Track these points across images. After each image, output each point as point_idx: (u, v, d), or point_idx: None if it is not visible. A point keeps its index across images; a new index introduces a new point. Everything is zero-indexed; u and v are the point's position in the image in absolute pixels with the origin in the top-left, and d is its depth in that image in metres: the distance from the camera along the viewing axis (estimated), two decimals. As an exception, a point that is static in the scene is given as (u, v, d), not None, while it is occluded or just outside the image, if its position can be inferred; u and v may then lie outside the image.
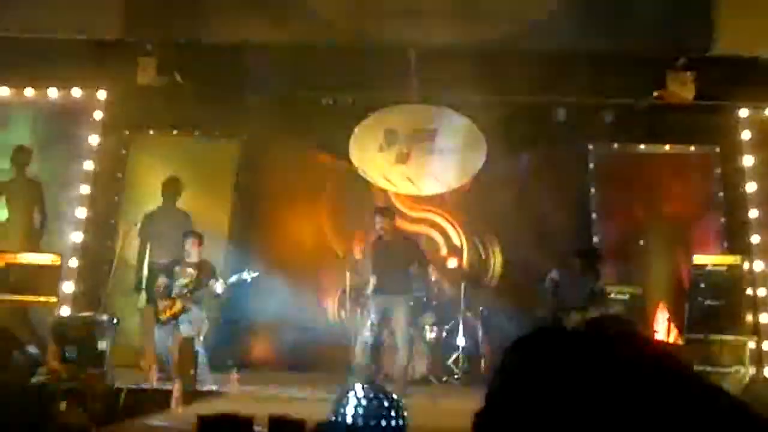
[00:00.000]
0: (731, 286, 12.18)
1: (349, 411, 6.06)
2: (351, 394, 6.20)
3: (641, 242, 12.45)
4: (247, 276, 11.51)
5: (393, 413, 6.07)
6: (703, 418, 1.31)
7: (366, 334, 11.37)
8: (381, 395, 6.21)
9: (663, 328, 12.77)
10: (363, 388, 6.27)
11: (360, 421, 6.00)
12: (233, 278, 11.50)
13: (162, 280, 11.59)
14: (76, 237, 13.06)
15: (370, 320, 11.40)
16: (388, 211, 12.07)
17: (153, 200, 13.51)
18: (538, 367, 1.38)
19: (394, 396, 6.32)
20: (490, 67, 12.71)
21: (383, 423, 6.00)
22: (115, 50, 12.70)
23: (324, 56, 12.92)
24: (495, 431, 1.40)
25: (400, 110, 13.84)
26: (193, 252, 11.66)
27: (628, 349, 1.38)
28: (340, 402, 6.11)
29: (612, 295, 11.81)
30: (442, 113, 13.84)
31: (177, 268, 11.58)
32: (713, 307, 12.04)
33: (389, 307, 11.35)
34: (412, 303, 11.58)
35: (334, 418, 6.09)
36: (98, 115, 13.40)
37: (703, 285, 12.22)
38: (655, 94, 12.90)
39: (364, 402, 6.06)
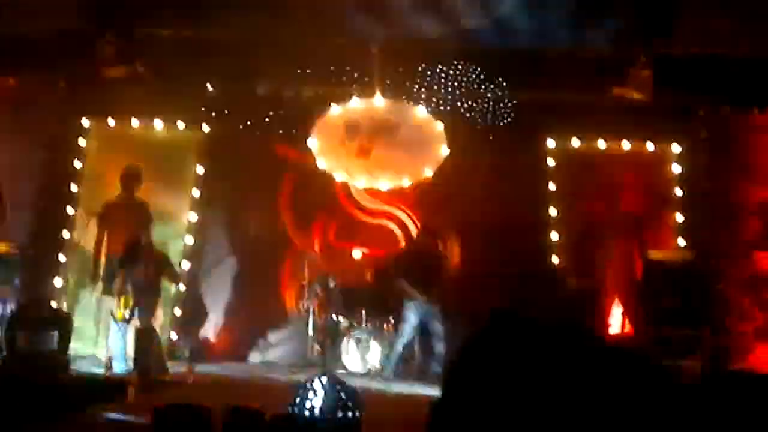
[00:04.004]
0: (686, 281, 12.31)
1: (308, 403, 6.08)
2: (311, 385, 6.23)
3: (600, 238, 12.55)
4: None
5: (351, 404, 6.10)
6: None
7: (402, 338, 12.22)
8: (339, 387, 6.24)
9: (618, 322, 12.90)
10: (322, 380, 6.29)
11: (318, 413, 6.03)
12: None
13: (120, 277, 11.53)
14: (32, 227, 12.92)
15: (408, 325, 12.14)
16: (428, 233, 12.69)
17: (112, 190, 13.40)
18: (492, 355, 1.40)
19: (352, 387, 6.36)
20: (451, 61, 12.76)
21: (339, 414, 6.03)
22: (74, 39, 12.56)
23: (286, 48, 12.87)
24: (451, 420, 1.42)
25: (362, 104, 13.82)
26: (146, 240, 11.65)
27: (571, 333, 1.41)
28: (301, 393, 6.13)
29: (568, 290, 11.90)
30: (404, 107, 13.83)
31: (130, 264, 11.53)
32: (667, 301, 12.17)
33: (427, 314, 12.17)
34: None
35: (293, 409, 6.12)
36: (56, 103, 13.23)
37: (657, 280, 12.35)
38: (614, 91, 12.98)
39: (322, 394, 6.08)
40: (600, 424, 1.32)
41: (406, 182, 13.83)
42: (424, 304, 12.09)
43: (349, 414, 5.97)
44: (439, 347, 12.04)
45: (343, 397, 6.06)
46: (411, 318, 12.10)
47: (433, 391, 9.91)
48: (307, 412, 5.98)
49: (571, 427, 1.33)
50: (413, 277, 12.11)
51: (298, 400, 6.14)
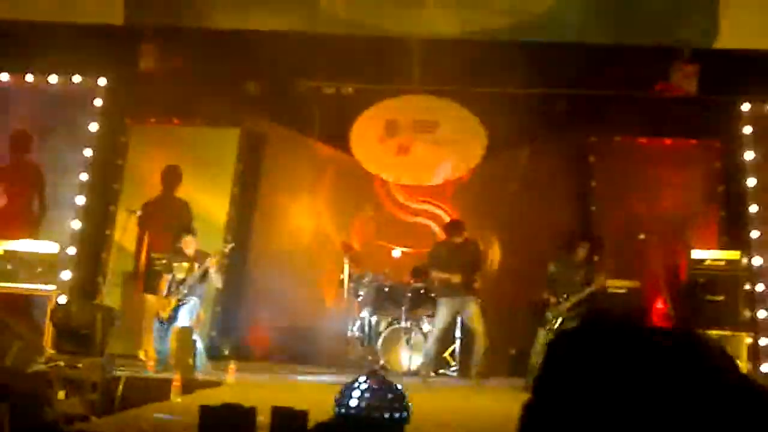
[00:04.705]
0: (729, 282, 12.17)
1: (353, 402, 6.05)
2: (355, 385, 6.19)
3: (641, 236, 12.39)
4: (225, 249, 12.02)
5: (396, 405, 6.07)
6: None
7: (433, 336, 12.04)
8: (385, 387, 6.20)
9: (660, 323, 12.77)
10: (367, 379, 6.26)
11: (364, 412, 5.99)
12: (216, 257, 11.63)
13: (164, 278, 11.61)
14: (75, 225, 12.97)
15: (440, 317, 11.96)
16: (459, 226, 12.24)
17: (152, 188, 13.48)
18: (587, 358, 1.35)
19: (398, 387, 6.32)
20: (491, 58, 12.68)
21: (386, 415, 5.99)
22: (116, 36, 12.64)
23: (326, 45, 12.88)
24: (543, 422, 1.38)
25: (401, 101, 13.80)
26: (188, 247, 11.68)
27: (677, 343, 1.36)
28: (347, 393, 6.10)
29: (610, 289, 11.77)
30: (443, 104, 13.81)
31: (175, 264, 11.60)
32: (711, 302, 12.03)
33: (461, 307, 11.97)
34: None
35: (339, 410, 6.08)
36: (98, 102, 13.29)
37: (701, 280, 12.22)
38: (657, 86, 12.87)
39: (368, 394, 6.05)
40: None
41: (445, 179, 13.81)
42: (458, 296, 11.87)
43: (396, 414, 5.93)
44: (478, 343, 11.88)
45: (390, 397, 6.03)
46: (443, 314, 11.97)
47: (472, 389, 9.88)
48: (353, 413, 5.94)
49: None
50: (445, 267, 11.96)
51: (344, 400, 6.11)
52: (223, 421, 6.38)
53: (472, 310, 11.90)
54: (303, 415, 6.43)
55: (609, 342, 1.37)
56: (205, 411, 6.44)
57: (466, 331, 12.25)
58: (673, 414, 1.27)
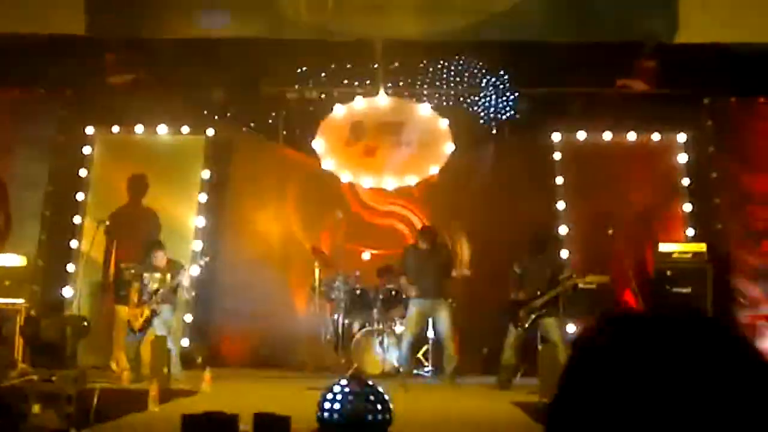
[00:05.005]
0: (696, 274, 12.32)
1: (336, 406, 6.06)
2: (337, 389, 6.20)
3: (610, 231, 12.49)
4: (200, 262, 12.12)
5: (379, 407, 6.09)
6: None
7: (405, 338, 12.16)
8: (366, 390, 6.22)
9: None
10: (348, 383, 6.27)
11: (348, 417, 6.01)
12: (188, 271, 11.67)
13: (136, 286, 11.55)
14: (41, 237, 12.87)
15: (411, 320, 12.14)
16: (431, 231, 12.47)
17: (119, 198, 13.42)
18: (613, 352, 1.37)
19: (380, 389, 6.34)
20: (454, 59, 12.76)
21: (370, 417, 6.01)
22: (78, 47, 12.55)
23: (289, 50, 12.88)
24: (569, 420, 1.39)
25: (366, 104, 13.81)
26: (159, 259, 11.65)
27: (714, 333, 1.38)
28: (328, 398, 6.11)
29: (580, 284, 11.84)
30: (409, 106, 13.84)
31: (146, 275, 11.55)
32: (680, 294, 12.17)
33: (432, 311, 12.15)
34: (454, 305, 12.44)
35: (321, 414, 6.09)
36: (61, 112, 13.20)
37: (669, 273, 12.36)
38: (619, 82, 13.00)
39: (350, 397, 6.06)
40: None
41: (412, 181, 13.84)
42: (428, 299, 12.01)
43: (380, 417, 5.95)
44: (447, 348, 12.01)
45: (372, 399, 6.04)
46: (412, 316, 12.06)
47: (446, 389, 9.91)
48: (336, 417, 5.95)
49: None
50: (416, 273, 12.05)
51: (326, 405, 6.12)
52: (205, 430, 6.36)
53: (443, 315, 12.04)
54: (285, 420, 6.44)
55: (640, 332, 1.38)
56: (187, 420, 6.42)
57: (437, 334, 12.31)
58: (709, 402, 1.29)
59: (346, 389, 6.20)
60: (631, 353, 1.33)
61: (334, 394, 6.18)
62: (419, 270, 12.06)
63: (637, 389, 1.29)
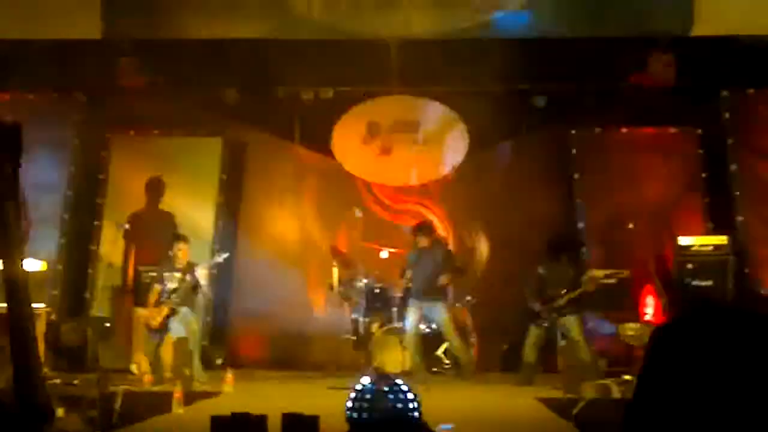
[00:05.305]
0: (717, 266, 12.27)
1: (366, 406, 6.04)
2: (365, 388, 6.19)
3: (630, 226, 12.46)
4: (219, 258, 11.90)
5: (410, 405, 6.07)
6: None
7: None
8: (395, 388, 6.20)
9: (652, 311, 12.84)
10: (377, 382, 6.26)
11: (376, 416, 5.99)
12: (209, 262, 11.76)
13: (156, 288, 11.55)
14: (60, 241, 12.90)
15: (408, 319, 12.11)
16: (427, 227, 12.43)
17: (137, 201, 13.44)
18: (695, 347, 1.36)
19: (407, 387, 6.31)
20: (469, 56, 12.74)
21: (400, 414, 5.99)
22: (93, 51, 12.57)
23: (303, 51, 12.88)
24: (650, 414, 1.38)
25: (381, 102, 13.81)
26: (180, 255, 11.64)
27: None
28: (358, 397, 6.09)
29: (600, 280, 11.80)
30: (424, 104, 13.85)
31: (167, 274, 11.55)
32: (701, 287, 12.12)
33: (427, 311, 12.14)
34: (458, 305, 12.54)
35: (351, 415, 6.07)
36: (77, 117, 13.23)
37: (690, 266, 12.31)
38: (635, 76, 12.94)
39: (380, 396, 6.04)
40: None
41: (428, 179, 13.83)
42: (423, 300, 12.05)
43: (410, 414, 5.93)
44: (454, 348, 12.10)
45: (402, 397, 6.03)
46: (410, 316, 12.08)
47: (469, 388, 9.89)
48: (366, 417, 5.94)
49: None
50: (413, 271, 12.10)
51: (355, 404, 6.10)
52: (234, 430, 6.36)
53: (440, 316, 12.08)
54: (314, 420, 6.43)
55: (719, 329, 1.37)
56: (216, 421, 6.42)
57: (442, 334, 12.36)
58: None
59: (374, 387, 6.18)
60: (715, 345, 1.31)
61: (363, 393, 6.16)
62: (415, 269, 12.09)
63: (720, 379, 1.28)
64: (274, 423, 6.56)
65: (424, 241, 12.17)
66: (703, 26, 12.05)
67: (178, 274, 11.50)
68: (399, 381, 6.39)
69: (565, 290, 11.48)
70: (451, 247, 13.14)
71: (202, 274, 11.51)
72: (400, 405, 6.02)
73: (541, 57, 12.68)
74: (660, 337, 1.43)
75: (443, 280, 12.02)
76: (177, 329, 11.29)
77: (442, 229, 13.70)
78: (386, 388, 6.11)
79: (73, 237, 13.20)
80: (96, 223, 13.49)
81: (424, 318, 12.27)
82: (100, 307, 12.60)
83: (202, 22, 12.64)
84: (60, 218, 13.11)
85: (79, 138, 13.33)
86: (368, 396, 6.09)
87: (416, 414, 6.05)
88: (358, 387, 6.33)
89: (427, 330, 12.54)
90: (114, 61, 12.89)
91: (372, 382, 6.29)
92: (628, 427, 1.39)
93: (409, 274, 12.21)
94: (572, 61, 12.69)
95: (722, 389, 1.31)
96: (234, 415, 6.42)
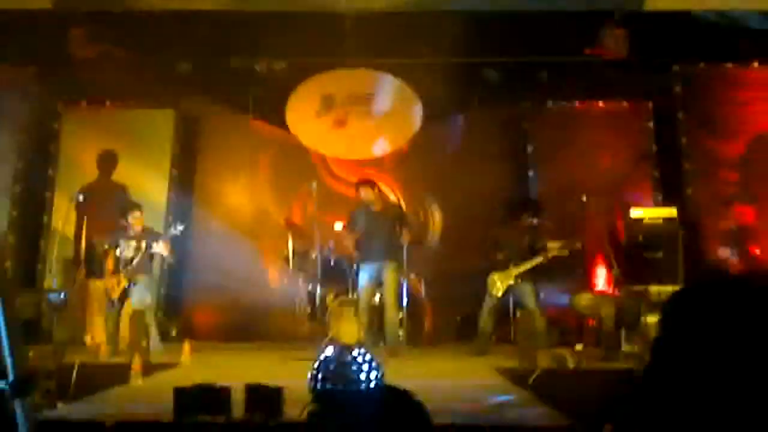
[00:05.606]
0: (667, 238, 12.44)
1: (328, 376, 6.06)
2: (328, 358, 6.21)
3: (584, 198, 12.58)
4: (175, 230, 11.54)
5: (374, 372, 6.10)
6: None
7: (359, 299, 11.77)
8: (357, 357, 6.23)
9: (603, 281, 13.04)
10: (338, 351, 6.28)
11: (339, 383, 6.02)
12: (167, 235, 11.56)
13: (110, 257, 11.45)
14: (12, 213, 12.78)
15: (360, 284, 11.81)
16: (369, 182, 12.06)
17: (89, 174, 13.33)
18: (708, 315, 1.41)
19: (367, 352, 6.34)
20: (423, 29, 12.73)
21: (365, 383, 6.03)
22: (44, 21, 12.37)
23: (258, 22, 12.79)
24: (664, 381, 1.43)
25: (336, 75, 13.80)
26: (135, 224, 11.55)
27: None
28: (320, 368, 6.11)
29: (555, 253, 11.91)
30: (378, 77, 13.86)
31: (121, 241, 11.45)
32: (651, 258, 12.29)
33: (379, 274, 11.71)
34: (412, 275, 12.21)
35: (313, 384, 6.10)
36: (28, 88, 13.07)
37: (640, 238, 12.47)
38: (588, 51, 13.05)
39: (340, 363, 6.07)
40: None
41: (383, 151, 13.87)
42: (376, 261, 11.68)
43: (374, 382, 5.96)
44: (387, 314, 11.74)
45: (362, 361, 6.04)
46: (362, 280, 11.84)
47: (426, 358, 9.96)
48: (330, 386, 5.95)
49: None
50: (363, 233, 11.86)
51: (317, 374, 6.10)
52: (198, 402, 6.38)
53: (387, 278, 11.70)
54: (278, 391, 6.47)
55: (732, 297, 1.41)
56: (180, 392, 6.43)
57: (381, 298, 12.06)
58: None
59: (337, 357, 6.20)
60: (734, 311, 1.36)
61: (326, 363, 6.17)
62: (367, 231, 11.79)
63: (739, 344, 1.32)
64: (236, 395, 6.58)
65: (371, 199, 11.77)
66: (656, 1, 12.17)
67: (133, 242, 11.41)
68: (363, 350, 6.41)
69: (518, 257, 11.54)
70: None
71: (164, 245, 11.43)
72: (362, 375, 6.04)
73: (494, 31, 12.71)
74: (678, 300, 1.48)
75: (405, 236, 11.63)
76: (137, 300, 11.20)
77: (395, 201, 13.76)
78: (346, 356, 6.13)
79: (24, 209, 13.08)
80: (48, 194, 13.36)
81: (376, 283, 11.91)
82: (53, 279, 12.47)
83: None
84: (11, 190, 12.96)
85: (30, 109, 13.16)
86: (331, 366, 6.11)
87: (380, 376, 6.08)
88: (321, 357, 6.34)
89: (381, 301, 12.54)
90: (65, 32, 12.73)
91: (332, 351, 6.31)
92: (647, 390, 1.44)
93: (356, 233, 11.92)
94: (525, 35, 12.74)
95: (741, 354, 1.36)
96: (198, 386, 6.44)
